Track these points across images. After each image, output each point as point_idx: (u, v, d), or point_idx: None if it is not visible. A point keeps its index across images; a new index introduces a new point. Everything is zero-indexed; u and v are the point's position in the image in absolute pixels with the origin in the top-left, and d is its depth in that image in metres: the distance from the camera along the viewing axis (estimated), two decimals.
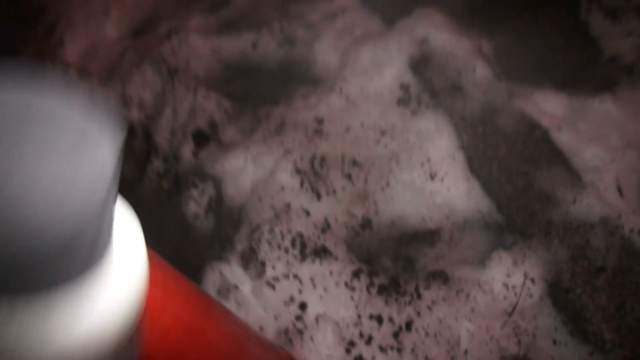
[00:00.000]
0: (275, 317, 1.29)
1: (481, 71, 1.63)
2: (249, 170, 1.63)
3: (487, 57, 1.67)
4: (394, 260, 1.47)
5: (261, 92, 2.04)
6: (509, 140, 1.49)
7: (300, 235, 1.38)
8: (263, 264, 1.33)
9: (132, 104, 2.03)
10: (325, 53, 1.99)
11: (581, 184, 1.37)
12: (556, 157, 1.43)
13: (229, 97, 1.99)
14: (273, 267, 1.32)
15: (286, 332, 1.24)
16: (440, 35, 1.73)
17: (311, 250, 1.35)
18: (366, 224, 1.51)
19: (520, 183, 1.42)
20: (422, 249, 1.48)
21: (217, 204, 1.67)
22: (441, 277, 1.33)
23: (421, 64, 1.73)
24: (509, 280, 1.30)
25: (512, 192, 1.42)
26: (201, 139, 1.82)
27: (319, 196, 1.50)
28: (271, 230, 1.38)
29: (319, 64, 1.99)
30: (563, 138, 1.47)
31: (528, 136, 1.48)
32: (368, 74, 1.79)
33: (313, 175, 1.54)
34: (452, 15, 1.82)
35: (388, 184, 1.54)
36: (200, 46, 2.17)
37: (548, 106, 1.54)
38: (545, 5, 1.83)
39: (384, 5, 2.00)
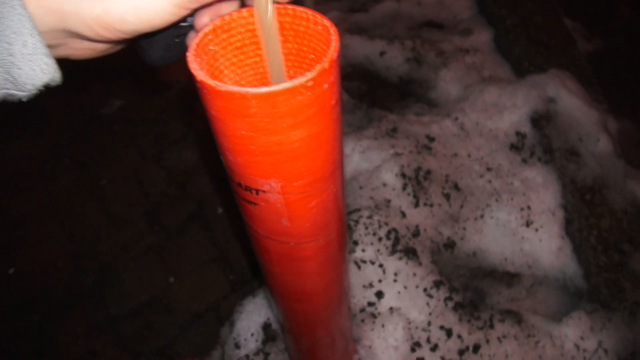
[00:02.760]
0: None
1: (603, 145, 1.66)
2: (355, 159, 1.70)
3: (611, 134, 1.70)
4: (465, 289, 1.49)
5: (377, 97, 2.13)
6: (615, 215, 1.50)
7: (395, 230, 1.42)
8: (356, 243, 1.37)
9: None
10: (448, 81, 2.07)
11: None
12: None
13: (346, 90, 2.09)
14: (363, 250, 1.36)
15: (361, 311, 1.27)
16: (570, 99, 1.78)
17: (402, 247, 1.39)
18: (450, 245, 1.54)
19: (616, 258, 1.42)
20: (498, 287, 1.49)
21: None
22: (516, 317, 1.34)
23: (543, 120, 1.77)
24: (581, 342, 1.29)
25: (605, 264, 1.42)
26: None
27: (417, 204, 1.55)
28: (370, 217, 1.43)
29: (440, 89, 2.07)
30: None
31: (635, 218, 1.49)
32: (487, 112, 1.85)
33: (416, 184, 1.59)
34: (585, 85, 1.87)
35: (482, 217, 1.57)
36: None
37: None
38: None
39: (519, 57, 2.07)
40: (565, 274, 1.50)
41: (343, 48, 2.29)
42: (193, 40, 0.47)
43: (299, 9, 0.52)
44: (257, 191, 0.54)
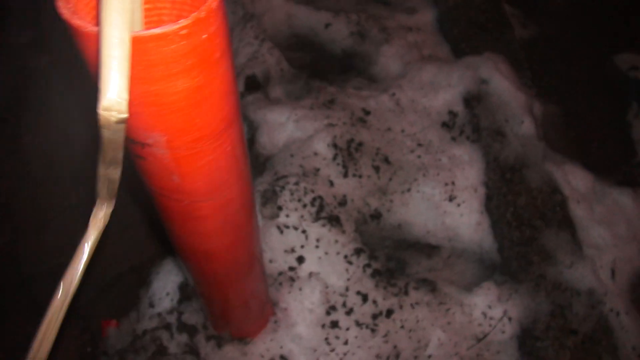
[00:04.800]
0: (270, 260, 1.34)
1: (527, 127, 1.73)
2: (289, 127, 1.69)
3: (536, 117, 1.78)
4: (388, 259, 1.55)
5: (319, 68, 2.12)
6: (531, 194, 1.59)
7: (321, 198, 1.44)
8: (280, 208, 1.38)
9: None
10: (389, 57, 2.08)
11: (581, 254, 1.46)
12: (567, 224, 1.53)
13: (288, 60, 2.06)
14: (287, 215, 1.38)
15: (280, 274, 1.29)
16: (501, 82, 1.84)
17: (326, 215, 1.42)
18: (376, 216, 1.58)
19: (528, 233, 1.51)
20: (418, 258, 1.56)
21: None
22: (430, 286, 1.40)
23: (475, 100, 1.83)
24: (488, 311, 1.38)
25: (518, 239, 1.51)
26: (253, 84, 1.88)
27: (346, 174, 1.57)
28: (297, 184, 1.44)
29: (380, 65, 2.08)
30: (578, 211, 1.57)
31: (548, 197, 1.58)
32: (423, 90, 1.88)
33: (347, 155, 1.61)
34: (517, 69, 1.94)
35: (409, 190, 1.62)
36: (278, 6, 2.24)
37: (574, 179, 1.65)
38: (599, 94, 1.96)
39: (457, 38, 2.11)
40: (482, 247, 1.58)
41: (288, 18, 2.25)
42: None
43: None
44: (143, 144, 0.53)
